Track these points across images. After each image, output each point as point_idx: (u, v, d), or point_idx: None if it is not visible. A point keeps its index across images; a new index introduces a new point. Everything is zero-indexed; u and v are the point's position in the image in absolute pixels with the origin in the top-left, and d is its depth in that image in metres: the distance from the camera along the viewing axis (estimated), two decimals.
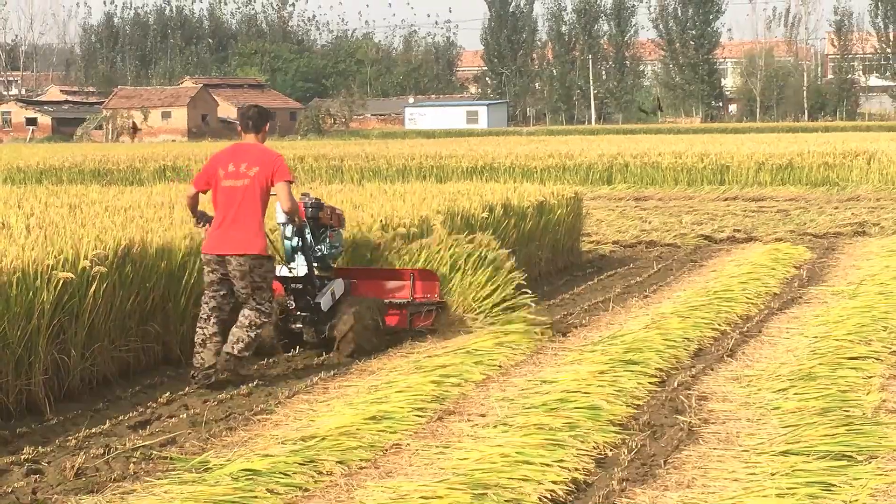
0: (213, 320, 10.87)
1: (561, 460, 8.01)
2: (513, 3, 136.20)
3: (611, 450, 8.46)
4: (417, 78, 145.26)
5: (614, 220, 26.62)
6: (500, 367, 11.25)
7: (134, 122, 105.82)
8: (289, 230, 11.84)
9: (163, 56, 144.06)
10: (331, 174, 39.23)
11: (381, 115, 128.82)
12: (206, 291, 10.95)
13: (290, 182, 11.08)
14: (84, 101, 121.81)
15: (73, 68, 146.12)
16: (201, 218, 11.45)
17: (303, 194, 12.38)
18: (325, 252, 12.16)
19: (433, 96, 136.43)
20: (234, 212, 10.84)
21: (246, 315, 10.87)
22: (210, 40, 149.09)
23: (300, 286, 11.99)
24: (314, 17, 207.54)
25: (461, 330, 12.75)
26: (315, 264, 12.04)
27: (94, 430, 9.16)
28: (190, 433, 9.05)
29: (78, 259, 10.41)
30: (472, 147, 48.22)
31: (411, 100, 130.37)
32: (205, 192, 11.22)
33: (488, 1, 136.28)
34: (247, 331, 10.84)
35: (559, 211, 18.74)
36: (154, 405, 10.04)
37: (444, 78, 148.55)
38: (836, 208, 29.18)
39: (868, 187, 34.56)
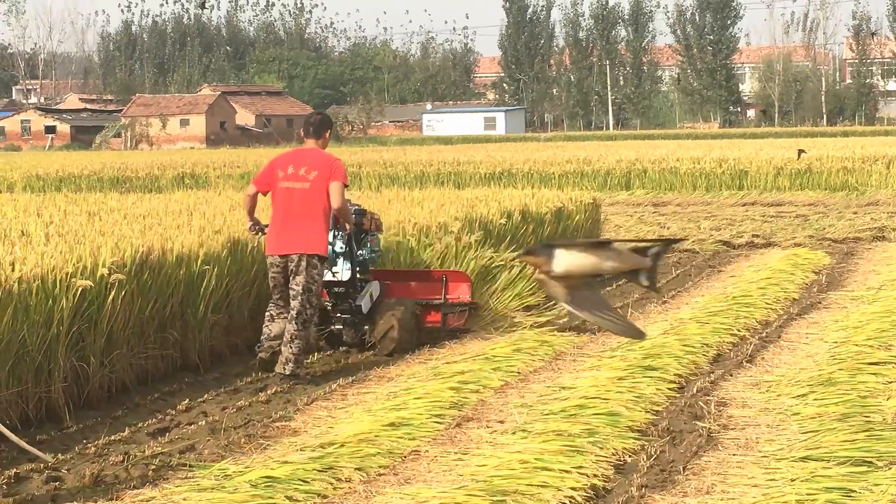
0: (278, 306, 11.44)
1: (580, 467, 7.99)
2: (530, 9, 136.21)
3: (630, 456, 8.45)
4: (435, 84, 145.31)
5: (633, 226, 26.58)
6: (518, 373, 11.24)
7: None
8: (330, 235, 12.01)
9: (181, 64, 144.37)
10: (349, 181, 39.25)
11: (398, 121, 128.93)
12: (272, 286, 11.44)
13: (345, 186, 11.47)
14: (103, 108, 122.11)
15: (92, 76, 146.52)
16: (256, 224, 11.87)
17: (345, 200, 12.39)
18: (366, 256, 12.61)
19: (451, 103, 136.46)
20: (292, 213, 11.25)
21: (290, 330, 11.20)
22: (228, 48, 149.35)
23: (342, 290, 12.42)
24: (332, 23, 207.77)
25: (492, 330, 13.32)
26: (357, 268, 12.45)
27: (113, 438, 9.17)
28: (209, 440, 9.06)
29: (97, 267, 10.44)
30: (489, 153, 48.26)
31: (429, 106, 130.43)
32: (265, 193, 11.59)
33: (506, 7, 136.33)
34: (291, 347, 11.17)
35: (577, 217, 18.73)
36: (173, 412, 10.05)
37: (462, 84, 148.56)
38: (856, 213, 29.10)
39: (887, 192, 34.47)
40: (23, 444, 8.36)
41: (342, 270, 12.32)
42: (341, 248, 12.29)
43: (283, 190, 11.31)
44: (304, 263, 11.17)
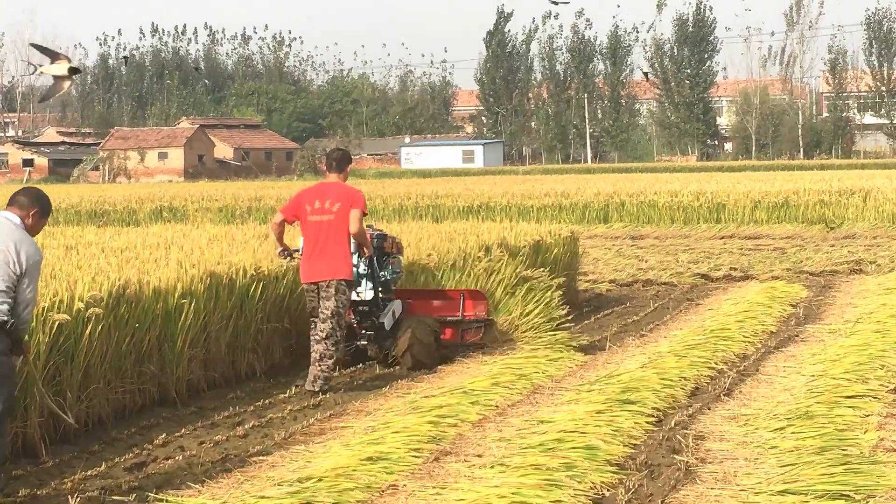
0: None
1: (558, 501, 7.99)
2: (510, 43, 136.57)
3: (608, 490, 8.44)
4: (413, 118, 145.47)
5: (611, 259, 26.63)
6: (496, 406, 11.22)
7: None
8: (355, 258, 12.90)
9: (159, 97, 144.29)
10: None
11: (377, 154, 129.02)
12: (311, 313, 12.48)
13: (364, 213, 12.56)
14: (80, 142, 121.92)
15: (70, 109, 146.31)
16: (285, 251, 12.95)
17: (367, 226, 13.32)
18: (388, 277, 13.61)
19: (429, 136, 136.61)
20: (321, 244, 12.36)
21: (318, 350, 12.27)
22: (206, 81, 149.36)
23: (367, 308, 13.42)
24: (310, 57, 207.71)
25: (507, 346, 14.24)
26: (379, 288, 13.44)
27: (89, 473, 9.13)
28: (186, 475, 9.03)
29: (73, 301, 10.41)
30: (468, 186, 48.30)
31: (407, 139, 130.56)
32: (291, 222, 12.78)
33: (486, 40, 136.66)
34: (320, 365, 12.25)
35: (555, 250, 18.74)
36: (150, 447, 10.01)
37: (440, 117, 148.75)
38: (833, 246, 29.20)
39: (864, 225, 34.61)
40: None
41: (365, 290, 13.31)
42: (364, 269, 13.28)
43: (313, 223, 12.43)
44: (332, 290, 12.30)
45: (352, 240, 12.64)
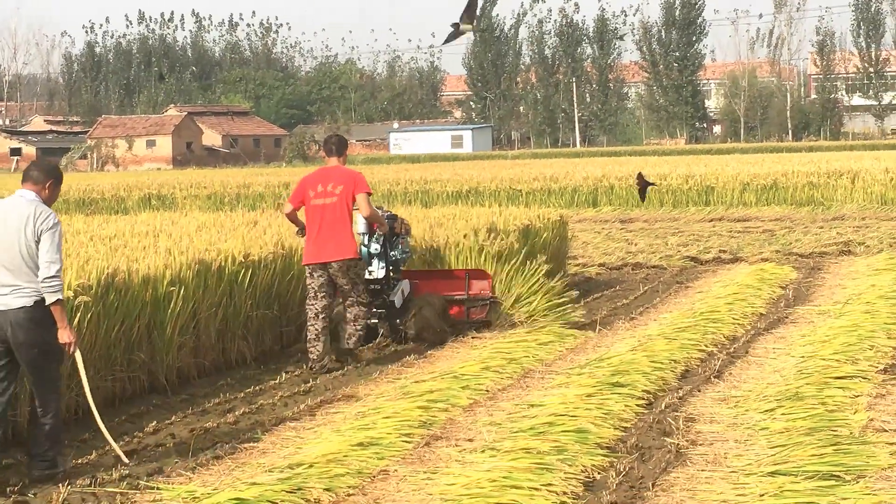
0: (321, 317, 12.82)
1: (549, 484, 7.99)
2: (497, 28, 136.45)
3: (599, 473, 8.45)
4: (402, 103, 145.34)
5: (600, 243, 26.64)
6: (487, 391, 11.23)
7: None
8: (366, 238, 13.73)
9: (147, 85, 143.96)
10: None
11: (365, 140, 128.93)
12: (312, 296, 12.86)
13: (369, 194, 13.12)
14: (68, 130, 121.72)
15: (57, 98, 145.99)
16: (303, 229, 13.24)
17: (378, 207, 13.97)
18: (398, 256, 14.15)
19: (418, 121, 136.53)
20: (326, 226, 12.81)
21: (352, 312, 12.98)
22: (194, 68, 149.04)
23: (378, 287, 13.86)
24: (298, 43, 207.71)
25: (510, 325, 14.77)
26: (390, 267, 13.98)
27: (80, 461, 9.12)
28: (177, 462, 9.02)
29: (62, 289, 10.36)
30: (457, 171, 48.28)
31: (396, 125, 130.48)
32: (298, 209, 13.16)
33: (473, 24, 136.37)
34: (355, 325, 13.01)
35: (545, 234, 18.73)
36: (140, 434, 10.01)
37: (429, 103, 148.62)
38: (822, 228, 29.24)
39: (853, 206, 34.65)
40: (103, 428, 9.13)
41: (377, 269, 13.84)
42: (376, 249, 13.83)
43: (316, 207, 12.92)
44: (344, 268, 12.85)
45: (361, 221, 13.51)
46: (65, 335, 8.70)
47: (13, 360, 8.71)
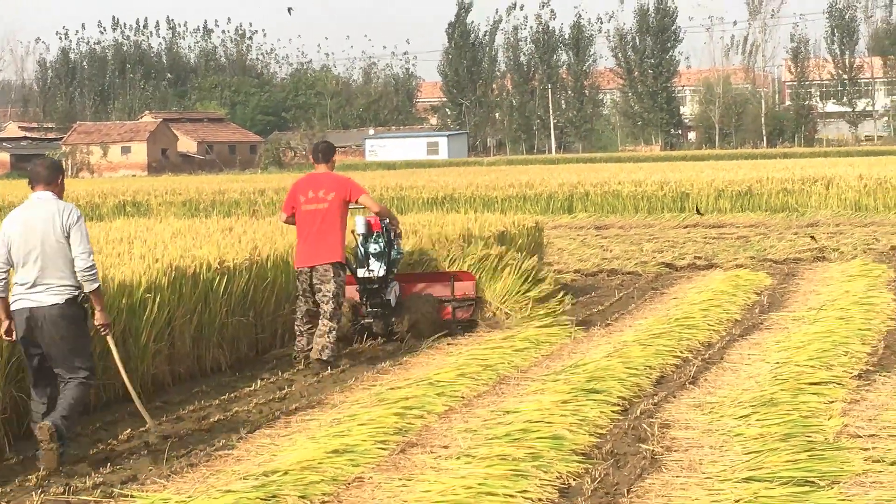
0: (306, 318, 13.26)
1: (524, 491, 7.99)
2: (472, 34, 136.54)
3: (574, 479, 8.45)
4: (377, 110, 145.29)
5: (575, 249, 26.66)
6: (462, 397, 11.22)
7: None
8: (363, 238, 14.24)
9: (122, 91, 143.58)
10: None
11: (341, 147, 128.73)
12: (300, 297, 13.30)
13: (368, 193, 13.48)
14: (43, 137, 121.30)
15: (32, 104, 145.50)
16: None
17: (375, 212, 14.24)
18: (395, 257, 14.53)
19: (393, 128, 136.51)
20: (316, 230, 13.12)
21: (323, 324, 13.03)
22: (169, 75, 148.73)
23: (376, 286, 14.31)
24: (273, 50, 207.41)
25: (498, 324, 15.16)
26: (391, 268, 14.42)
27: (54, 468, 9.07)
28: (151, 470, 8.99)
29: None
30: (432, 178, 48.31)
31: (371, 132, 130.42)
32: (292, 215, 13.41)
33: (448, 32, 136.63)
34: (327, 338, 13.02)
35: (520, 240, 18.74)
36: (114, 442, 9.97)
37: (404, 109, 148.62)
38: (796, 234, 29.32)
39: (827, 212, 34.77)
40: (138, 402, 9.84)
41: (377, 269, 14.25)
42: (375, 249, 14.27)
43: (307, 212, 13.21)
44: (330, 273, 13.07)
45: (360, 223, 14.11)
46: (101, 317, 9.34)
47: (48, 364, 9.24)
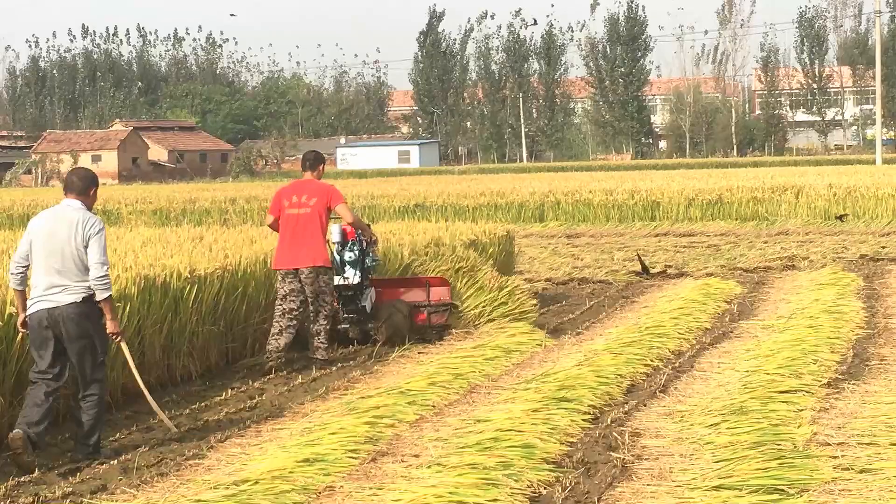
0: (286, 316, 13.56)
1: (495, 500, 7.99)
2: (444, 43, 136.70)
3: (545, 488, 8.46)
4: (349, 118, 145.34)
5: (547, 258, 26.69)
6: (433, 406, 11.22)
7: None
8: (339, 247, 14.63)
9: (92, 99, 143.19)
10: (263, 215, 39.05)
11: None
12: (282, 298, 13.61)
13: (346, 203, 13.97)
14: (12, 145, 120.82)
15: (1, 112, 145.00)
16: None
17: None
18: (369, 264, 14.92)
19: (365, 136, 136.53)
20: (298, 234, 13.59)
21: (316, 325, 13.67)
22: (140, 83, 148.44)
23: (351, 293, 14.72)
24: (244, 58, 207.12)
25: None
26: (366, 275, 14.83)
27: (23, 479, 9.05)
28: (121, 479, 8.96)
29: (5, 305, 10.30)
30: (403, 186, 48.32)
31: (343, 140, 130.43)
32: (278, 218, 13.88)
33: (419, 40, 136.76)
34: (319, 338, 13.69)
35: (491, 249, 18.76)
36: None
37: (376, 118, 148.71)
38: (766, 242, 29.43)
39: (797, 221, 34.91)
40: (156, 408, 10.51)
41: (352, 276, 14.66)
42: (350, 257, 14.65)
43: (289, 216, 13.71)
44: (314, 275, 13.57)
45: (335, 231, 14.47)
46: (112, 326, 9.74)
47: (63, 351, 9.59)
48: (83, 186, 9.86)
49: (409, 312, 15.00)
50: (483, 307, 16.24)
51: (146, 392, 10.41)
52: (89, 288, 9.56)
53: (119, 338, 9.92)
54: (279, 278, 13.73)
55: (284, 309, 13.61)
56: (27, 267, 9.68)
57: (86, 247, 9.56)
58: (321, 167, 14.19)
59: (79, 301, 9.53)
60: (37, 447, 9.39)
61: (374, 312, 14.90)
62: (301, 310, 13.68)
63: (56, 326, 9.52)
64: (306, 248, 13.58)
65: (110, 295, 9.68)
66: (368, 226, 14.94)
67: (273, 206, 14.07)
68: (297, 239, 13.62)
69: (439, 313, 15.45)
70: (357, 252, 14.69)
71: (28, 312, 9.64)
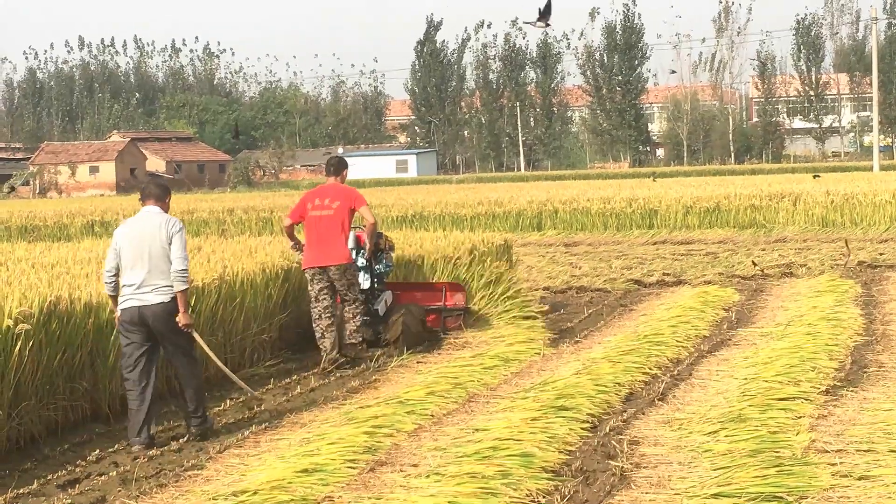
0: (325, 316, 14.33)
1: None
2: (441, 52, 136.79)
3: (544, 497, 8.46)
4: (346, 128, 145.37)
5: (545, 267, 26.69)
6: (432, 416, 11.22)
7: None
8: (354, 253, 15.01)
9: (90, 111, 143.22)
10: (260, 226, 39.12)
11: (310, 165, 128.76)
12: (315, 299, 14.36)
13: (368, 205, 14.63)
14: (10, 157, 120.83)
15: None
16: (297, 244, 14.92)
17: (361, 227, 15.32)
18: (382, 270, 15.53)
19: (362, 146, 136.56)
20: (323, 235, 14.36)
21: (349, 311, 14.49)
22: (137, 94, 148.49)
23: (363, 297, 15.07)
24: (241, 68, 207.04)
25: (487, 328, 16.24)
26: (375, 279, 15.39)
27: (21, 491, 9.04)
28: (120, 491, 8.96)
29: (3, 317, 10.30)
30: (401, 196, 48.31)
31: (340, 150, 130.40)
32: (297, 223, 14.76)
33: (416, 49, 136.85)
34: (354, 321, 14.52)
35: (489, 258, 18.74)
36: (83, 463, 9.93)
37: (373, 127, 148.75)
38: (764, 250, 29.42)
39: (794, 228, 34.91)
40: (232, 376, 11.89)
41: (363, 281, 15.22)
42: (362, 262, 15.23)
43: (314, 217, 14.51)
44: (339, 272, 14.35)
45: (350, 238, 14.83)
46: (185, 318, 10.63)
47: (152, 344, 10.62)
48: (161, 194, 10.95)
49: (422, 316, 15.43)
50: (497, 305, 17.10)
51: (224, 367, 11.81)
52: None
53: (190, 329, 10.78)
54: (309, 279, 14.44)
55: (319, 310, 14.32)
56: (117, 274, 10.69)
57: (169, 244, 10.56)
58: (344, 172, 14.96)
59: (167, 301, 10.51)
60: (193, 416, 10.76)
61: (386, 315, 15.33)
62: (334, 305, 14.41)
63: (145, 322, 10.50)
64: (331, 247, 14.33)
65: (186, 289, 10.63)
66: (383, 235, 15.59)
67: (294, 211, 14.77)
68: (322, 239, 14.38)
69: (453, 317, 16.09)
70: (365, 259, 15.26)
71: (120, 308, 10.61)
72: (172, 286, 10.54)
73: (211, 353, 11.50)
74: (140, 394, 10.52)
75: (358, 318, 14.59)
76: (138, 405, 10.49)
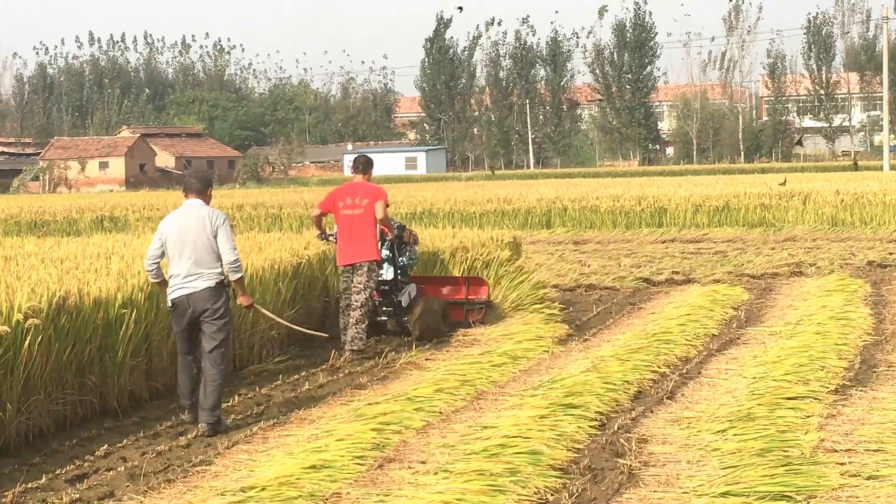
0: (348, 312, 14.79)
1: None
2: (451, 49, 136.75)
3: (552, 494, 8.46)
4: (356, 125, 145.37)
5: (554, 264, 26.67)
6: (440, 413, 11.22)
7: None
8: (378, 244, 15.24)
9: (99, 106, 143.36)
10: (269, 222, 39.11)
11: (319, 162, 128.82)
12: (343, 290, 15.03)
13: (387, 204, 15.14)
14: (20, 152, 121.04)
15: (9, 119, 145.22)
16: (323, 234, 15.83)
17: (390, 219, 15.69)
18: (405, 262, 16.05)
19: (372, 143, 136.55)
20: (354, 232, 14.89)
21: (353, 316, 14.72)
22: (147, 90, 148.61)
23: (387, 287, 15.77)
24: (251, 65, 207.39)
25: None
26: (398, 271, 15.85)
27: (30, 485, 9.05)
28: (128, 486, 8.97)
29: (12, 312, 10.31)
30: (410, 193, 48.30)
31: (350, 146, 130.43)
32: (325, 214, 15.51)
33: (426, 46, 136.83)
34: (356, 328, 14.70)
35: (506, 254, 18.73)
36: (92, 458, 9.94)
37: (383, 124, 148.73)
38: (773, 249, 29.37)
39: (804, 227, 34.86)
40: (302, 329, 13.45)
41: (387, 272, 15.75)
42: (386, 254, 15.71)
43: (345, 217, 15.04)
44: (365, 268, 14.86)
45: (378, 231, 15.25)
46: (244, 300, 11.55)
47: (197, 333, 11.03)
48: (202, 187, 11.36)
49: (443, 309, 15.86)
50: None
51: (291, 325, 13.41)
52: (220, 273, 11.01)
53: (251, 309, 11.95)
54: (340, 274, 15.20)
55: (344, 306, 14.95)
56: (158, 262, 11.18)
57: (215, 236, 11.01)
58: (371, 170, 15.41)
59: (212, 286, 10.97)
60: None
61: (410, 307, 15.74)
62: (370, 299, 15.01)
63: (194, 307, 10.95)
64: (361, 245, 14.90)
65: (242, 276, 11.26)
66: (406, 228, 16.06)
67: (324, 203, 15.39)
68: (353, 237, 14.93)
69: (476, 310, 16.56)
70: (388, 251, 15.74)
71: (170, 297, 11.07)
72: (217, 273, 11.00)
73: (275, 317, 12.91)
74: (197, 372, 11.09)
75: (360, 324, 14.78)
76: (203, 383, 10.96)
